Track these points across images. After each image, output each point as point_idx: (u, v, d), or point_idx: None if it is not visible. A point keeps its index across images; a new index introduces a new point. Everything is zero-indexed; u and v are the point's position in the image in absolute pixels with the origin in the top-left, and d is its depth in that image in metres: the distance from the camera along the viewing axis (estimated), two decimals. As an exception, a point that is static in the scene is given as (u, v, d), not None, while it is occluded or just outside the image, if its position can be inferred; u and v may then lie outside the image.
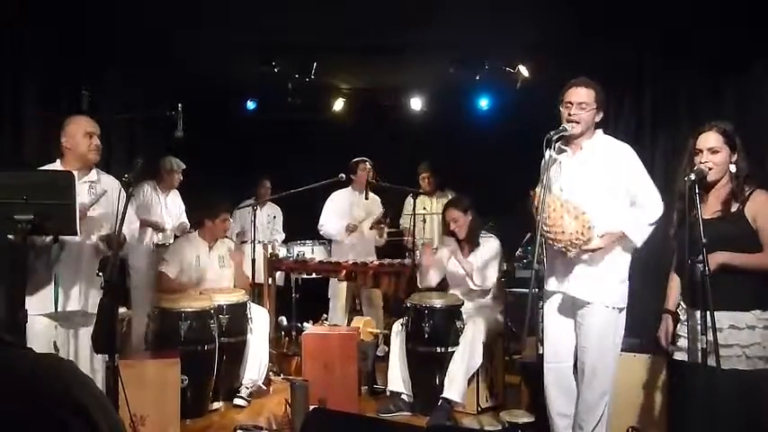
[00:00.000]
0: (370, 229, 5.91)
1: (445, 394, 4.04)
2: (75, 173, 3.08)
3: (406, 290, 4.79)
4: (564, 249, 2.92)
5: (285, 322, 5.76)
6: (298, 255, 5.30)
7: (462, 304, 4.34)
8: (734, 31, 3.84)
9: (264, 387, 4.61)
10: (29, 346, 2.07)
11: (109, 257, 2.89)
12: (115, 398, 2.67)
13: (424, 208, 6.44)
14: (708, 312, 2.49)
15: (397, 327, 4.46)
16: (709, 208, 2.78)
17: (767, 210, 2.70)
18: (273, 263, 5.18)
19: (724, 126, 2.78)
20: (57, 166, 3.33)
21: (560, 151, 3.10)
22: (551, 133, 2.91)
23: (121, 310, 4.42)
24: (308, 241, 6.03)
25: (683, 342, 2.84)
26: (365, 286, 5.40)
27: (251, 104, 7.51)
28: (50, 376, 1.07)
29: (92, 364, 3.27)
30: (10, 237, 2.80)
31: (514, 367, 4.54)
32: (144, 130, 6.02)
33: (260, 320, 4.62)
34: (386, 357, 4.61)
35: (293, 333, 5.68)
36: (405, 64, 6.23)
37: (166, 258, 4.67)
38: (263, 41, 5.49)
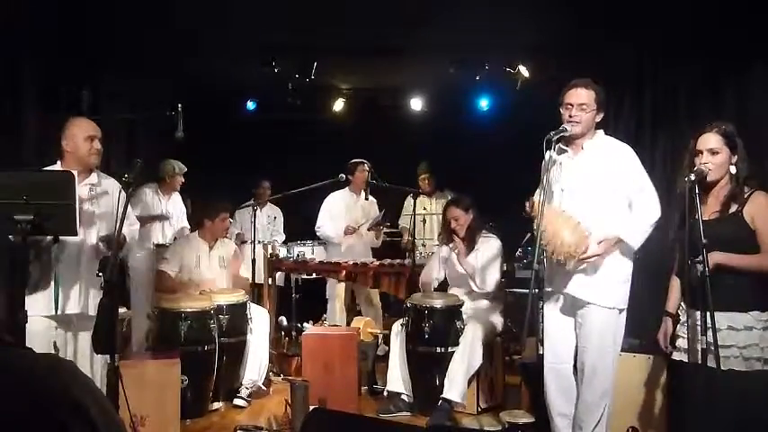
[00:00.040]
0: (369, 230, 5.91)
1: (445, 394, 4.04)
2: (75, 175, 3.08)
3: (406, 290, 4.79)
4: (563, 261, 2.92)
5: (285, 322, 5.76)
6: (298, 255, 5.31)
7: (462, 304, 4.33)
8: (734, 31, 3.84)
9: (264, 387, 4.61)
10: (28, 346, 2.08)
11: (109, 258, 2.89)
12: (115, 398, 2.67)
13: (424, 208, 6.44)
14: (708, 313, 2.49)
15: (397, 327, 4.46)
16: (709, 209, 2.78)
17: (765, 211, 2.70)
18: (273, 263, 5.19)
19: (725, 127, 2.78)
20: (57, 167, 3.32)
21: (561, 152, 3.10)
22: (551, 134, 2.91)
23: (121, 310, 4.42)
24: (308, 241, 6.04)
25: (682, 342, 2.84)
26: (365, 287, 5.40)
27: (251, 104, 7.52)
28: (50, 376, 1.07)
29: (91, 365, 3.26)
30: (10, 237, 2.81)
31: (514, 367, 4.54)
32: (144, 130, 6.02)
33: (260, 321, 4.61)
34: (386, 357, 4.60)
35: (293, 333, 5.68)
36: (405, 64, 6.24)
37: (167, 257, 4.67)
38: (263, 41, 5.49)
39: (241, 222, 6.33)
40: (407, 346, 4.29)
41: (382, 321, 5.70)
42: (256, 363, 4.50)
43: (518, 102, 6.56)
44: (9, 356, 1.11)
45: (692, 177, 2.63)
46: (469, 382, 4.13)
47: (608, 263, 3.00)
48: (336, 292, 5.83)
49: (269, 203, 6.55)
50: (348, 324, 5.47)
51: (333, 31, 5.24)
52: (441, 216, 5.08)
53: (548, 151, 2.91)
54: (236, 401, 4.38)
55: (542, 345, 2.80)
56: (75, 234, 3.02)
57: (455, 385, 4.04)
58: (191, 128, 3.78)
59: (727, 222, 2.73)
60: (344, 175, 5.57)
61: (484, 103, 7.25)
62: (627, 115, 4.92)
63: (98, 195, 3.35)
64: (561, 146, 3.08)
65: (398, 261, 5.02)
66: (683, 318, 2.87)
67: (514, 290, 4.94)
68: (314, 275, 5.62)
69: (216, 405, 4.30)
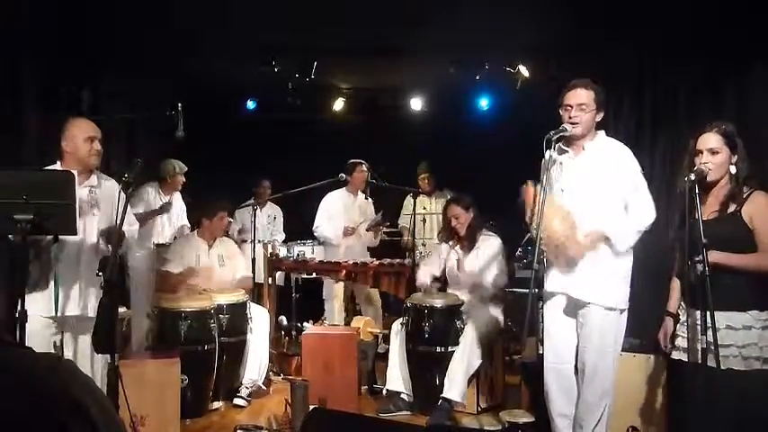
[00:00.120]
0: (368, 230, 5.92)
1: (445, 394, 4.04)
2: (76, 175, 3.08)
3: (405, 289, 4.79)
4: (553, 251, 2.92)
5: (285, 322, 5.76)
6: (298, 255, 5.31)
7: (462, 304, 4.34)
8: (734, 31, 3.84)
9: (264, 387, 4.61)
10: (28, 345, 2.08)
11: (109, 257, 2.89)
12: (115, 398, 2.67)
13: (424, 208, 6.45)
14: (707, 312, 2.49)
15: (397, 326, 4.46)
16: (708, 208, 2.78)
17: (763, 211, 2.70)
18: (273, 263, 5.19)
19: (725, 126, 2.78)
20: (56, 168, 3.31)
21: (561, 152, 3.10)
22: (551, 133, 2.91)
23: (121, 309, 4.42)
24: (308, 241, 6.04)
25: (682, 342, 2.84)
26: (365, 286, 5.41)
27: (251, 104, 7.52)
28: (50, 376, 1.07)
29: (92, 365, 3.26)
30: (10, 236, 2.81)
31: (514, 367, 4.54)
32: (144, 130, 6.02)
33: (260, 320, 4.62)
34: (386, 356, 4.60)
35: (293, 333, 5.68)
36: (405, 64, 6.24)
37: (168, 258, 4.68)
38: (263, 41, 5.49)
39: (241, 222, 6.34)
40: (407, 346, 4.29)
41: (382, 321, 5.70)
42: (256, 362, 4.50)
43: (518, 102, 6.56)
44: (9, 356, 1.11)
45: (692, 177, 2.63)
46: (469, 381, 4.14)
47: (609, 262, 3.00)
48: (335, 291, 5.83)
49: (269, 203, 6.55)
50: (347, 324, 5.47)
51: (333, 31, 5.24)
52: (440, 215, 5.08)
53: (548, 151, 2.91)
54: (236, 401, 4.39)
55: (542, 344, 2.80)
56: (75, 233, 3.02)
57: (455, 385, 4.04)
58: (191, 128, 3.78)
59: (726, 222, 2.73)
60: (345, 175, 5.57)
61: (484, 103, 7.25)
62: (627, 115, 4.92)
63: (98, 197, 3.34)
64: (562, 146, 3.08)
65: (398, 261, 5.03)
66: (682, 317, 2.88)
67: (514, 290, 4.93)
68: (314, 275, 5.62)
69: (216, 404, 4.31)
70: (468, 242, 4.48)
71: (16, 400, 1.00)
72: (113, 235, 2.95)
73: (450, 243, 4.57)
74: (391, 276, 4.93)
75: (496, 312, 4.46)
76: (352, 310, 6.08)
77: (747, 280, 2.68)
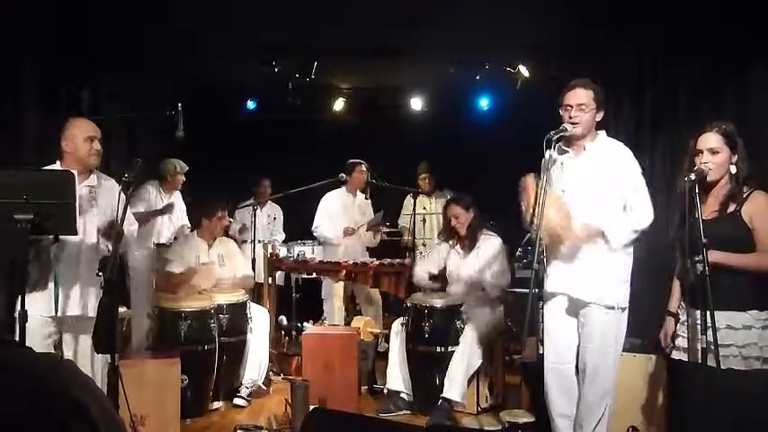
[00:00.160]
0: (367, 230, 5.92)
1: (445, 394, 4.04)
2: (76, 175, 3.08)
3: (405, 289, 4.79)
4: (549, 241, 2.92)
5: (285, 322, 5.76)
6: (298, 254, 5.31)
7: (462, 304, 4.34)
8: (734, 31, 3.84)
9: (264, 387, 4.61)
10: (28, 345, 2.07)
11: (109, 257, 2.89)
12: (115, 398, 2.67)
13: (424, 208, 6.45)
14: (707, 312, 2.49)
15: (397, 326, 4.46)
16: (708, 208, 2.78)
17: (763, 211, 2.70)
18: (274, 262, 5.19)
19: (725, 126, 2.78)
20: (56, 167, 3.32)
21: (562, 152, 3.10)
22: (551, 133, 2.91)
23: (121, 309, 4.42)
24: (308, 241, 6.04)
25: (682, 342, 2.84)
26: (365, 286, 5.40)
27: (251, 104, 7.53)
28: (50, 375, 1.07)
29: (92, 365, 3.26)
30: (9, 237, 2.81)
31: (514, 367, 4.54)
32: (144, 129, 6.02)
33: (260, 320, 4.62)
34: (386, 355, 4.60)
35: (293, 333, 5.68)
36: (405, 64, 6.24)
37: (169, 258, 4.68)
38: (263, 41, 5.49)
39: (241, 221, 6.34)
40: (407, 346, 4.29)
41: (382, 321, 5.70)
42: (256, 362, 4.50)
43: (518, 102, 6.56)
44: (8, 356, 1.11)
45: (692, 177, 2.63)
46: (469, 381, 4.14)
47: (609, 261, 3.00)
48: (334, 291, 5.83)
49: (269, 203, 6.55)
50: (347, 324, 5.47)
51: (333, 31, 5.24)
52: (440, 215, 5.09)
53: (547, 150, 2.91)
54: (236, 401, 4.39)
55: (542, 344, 2.80)
56: (75, 233, 3.02)
57: (455, 385, 4.04)
58: (191, 127, 3.78)
59: (726, 222, 2.73)
60: (345, 175, 5.57)
61: (484, 103, 7.25)
62: (627, 115, 4.92)
63: (98, 197, 3.35)
64: (562, 146, 3.09)
65: (398, 261, 5.03)
66: (682, 317, 2.88)
67: (514, 290, 4.93)
68: (314, 275, 5.62)
69: (216, 404, 4.31)
70: (469, 242, 4.48)
71: (16, 400, 1.00)
72: (113, 233, 2.95)
73: (451, 243, 4.57)
74: (391, 276, 4.93)
75: (496, 312, 4.46)
76: (352, 310, 6.08)
77: (747, 280, 2.68)
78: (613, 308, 3.01)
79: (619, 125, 4.77)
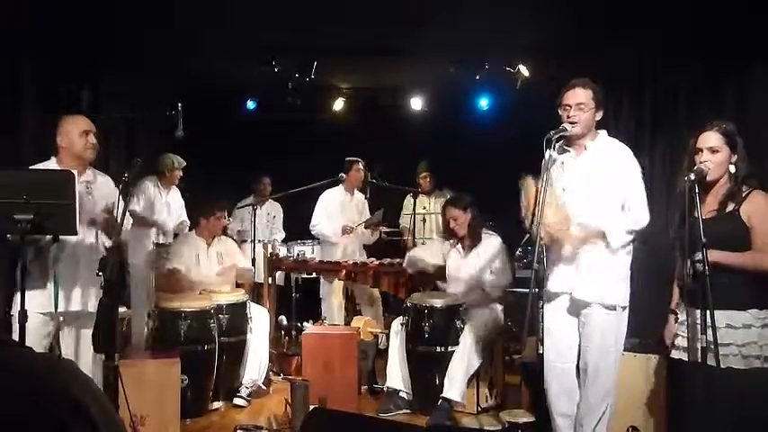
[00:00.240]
0: (366, 228, 5.92)
1: (445, 394, 4.04)
2: (76, 174, 3.08)
3: (405, 289, 4.79)
4: (548, 241, 2.92)
5: (285, 322, 5.76)
6: (298, 254, 5.32)
7: (462, 304, 4.34)
8: (734, 31, 3.84)
9: (264, 387, 4.61)
10: (28, 344, 2.07)
11: (108, 258, 2.89)
12: (115, 397, 2.67)
13: (424, 207, 6.45)
14: (707, 311, 2.49)
15: (397, 325, 4.46)
16: (707, 207, 2.78)
17: (762, 210, 2.70)
18: (273, 262, 5.19)
19: (725, 126, 2.78)
20: (52, 164, 3.32)
21: (562, 151, 3.10)
22: (551, 133, 2.91)
23: (121, 309, 4.42)
24: (307, 241, 6.04)
25: (682, 341, 2.84)
26: (365, 286, 5.41)
27: (251, 104, 7.53)
28: (50, 375, 1.07)
29: (92, 364, 3.26)
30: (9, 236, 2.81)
31: (514, 367, 4.54)
32: (144, 129, 6.02)
33: (260, 320, 4.62)
34: (386, 353, 4.60)
35: (293, 333, 5.69)
36: (405, 64, 6.24)
37: (169, 257, 4.68)
38: (263, 41, 5.49)
39: (241, 220, 6.34)
40: (407, 346, 4.29)
41: (383, 321, 5.70)
42: (256, 362, 4.50)
43: (518, 102, 6.56)
44: (8, 355, 1.11)
45: (692, 177, 2.63)
46: (469, 381, 4.14)
47: (609, 261, 3.00)
48: (332, 291, 5.83)
49: (269, 201, 6.55)
50: (347, 323, 5.47)
51: (333, 31, 5.24)
52: (440, 215, 5.08)
53: (547, 150, 2.91)
54: (236, 401, 4.39)
55: (542, 344, 2.80)
56: (76, 233, 3.03)
57: (455, 385, 4.04)
58: (191, 127, 3.78)
59: (724, 221, 2.73)
60: (344, 175, 5.57)
61: (484, 103, 7.25)
62: (626, 115, 4.92)
63: (94, 192, 3.35)
64: (563, 145, 3.09)
65: (398, 260, 5.02)
66: (681, 317, 2.88)
67: (514, 290, 4.93)
68: (314, 275, 5.62)
69: (216, 404, 4.31)
70: (469, 242, 4.48)
71: (16, 400, 1.00)
72: (113, 231, 2.95)
73: (451, 242, 4.57)
74: (391, 276, 4.93)
75: (496, 312, 4.46)
76: (352, 309, 6.08)
77: (746, 278, 2.68)
78: (614, 308, 3.01)
79: (619, 125, 4.77)
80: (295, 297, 5.95)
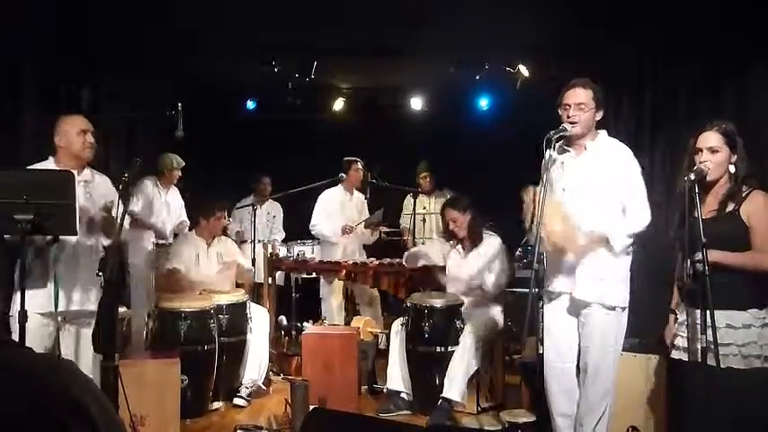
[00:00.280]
0: (366, 227, 5.92)
1: (445, 394, 4.04)
2: (75, 174, 3.08)
3: (405, 289, 4.79)
4: (552, 249, 2.93)
5: (285, 322, 5.76)
6: (298, 254, 5.31)
7: (462, 304, 4.34)
8: (734, 31, 3.84)
9: (264, 387, 4.61)
10: (28, 344, 2.07)
11: (108, 258, 2.89)
12: (115, 398, 2.67)
13: (424, 207, 6.45)
14: (707, 311, 2.49)
15: (397, 326, 4.46)
16: (707, 207, 2.78)
17: (762, 210, 2.71)
18: (273, 262, 5.19)
19: (725, 126, 2.78)
20: (50, 163, 3.31)
21: (563, 151, 3.09)
22: (551, 133, 2.91)
23: (121, 309, 4.43)
24: (307, 241, 6.04)
25: (682, 341, 2.84)
26: (365, 286, 5.41)
27: (251, 104, 7.53)
28: (50, 375, 1.07)
29: (92, 364, 3.26)
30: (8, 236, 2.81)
31: (514, 367, 4.54)
32: (144, 129, 6.02)
33: (260, 320, 4.62)
34: (386, 353, 4.60)
35: (293, 333, 5.68)
36: (405, 64, 6.24)
37: (168, 257, 4.68)
38: (263, 41, 5.49)
39: (240, 220, 6.34)
40: (407, 346, 4.29)
41: (382, 321, 5.70)
42: (256, 362, 4.50)
43: (518, 102, 6.56)
44: (8, 355, 1.11)
45: (692, 177, 2.63)
46: (469, 381, 4.14)
47: (609, 261, 3.00)
48: (331, 291, 5.83)
49: (269, 200, 6.55)
50: (347, 324, 5.47)
51: (333, 31, 5.24)
52: (440, 216, 5.09)
53: (547, 150, 2.91)
54: (236, 401, 4.39)
55: (542, 344, 2.80)
56: (76, 233, 3.03)
57: (455, 385, 4.04)
58: (191, 127, 3.78)
59: (724, 221, 2.73)
60: (344, 175, 5.57)
61: (484, 103, 7.25)
62: (627, 115, 4.92)
63: (93, 191, 3.35)
64: (563, 145, 3.08)
65: (398, 261, 5.02)
66: (681, 317, 2.88)
67: (514, 290, 4.93)
68: (314, 275, 5.62)
69: (216, 405, 4.31)
70: (470, 242, 4.48)
71: (16, 400, 1.00)
72: (113, 231, 2.95)
73: (452, 243, 4.57)
74: (391, 276, 4.93)
75: (496, 312, 4.46)
76: (351, 309, 6.08)
77: (746, 278, 2.68)
78: (614, 308, 3.01)
79: (619, 125, 4.77)
80: (295, 297, 5.95)
